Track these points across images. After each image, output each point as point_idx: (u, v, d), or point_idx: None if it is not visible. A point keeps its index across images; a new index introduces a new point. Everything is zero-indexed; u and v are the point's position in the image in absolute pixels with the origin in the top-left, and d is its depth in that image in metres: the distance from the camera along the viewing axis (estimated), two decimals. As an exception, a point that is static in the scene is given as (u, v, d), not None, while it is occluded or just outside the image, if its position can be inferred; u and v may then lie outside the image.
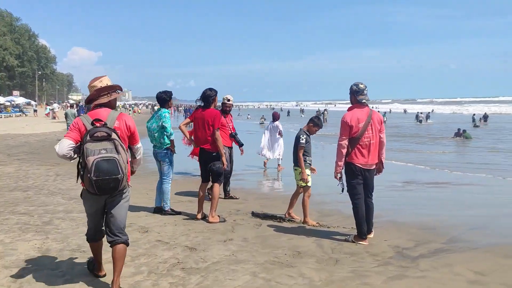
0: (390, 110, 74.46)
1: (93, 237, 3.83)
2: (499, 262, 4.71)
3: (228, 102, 7.90)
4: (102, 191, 3.38)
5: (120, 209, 3.64)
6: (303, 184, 6.15)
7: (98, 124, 3.46)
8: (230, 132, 7.77)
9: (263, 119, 43.08)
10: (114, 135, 3.43)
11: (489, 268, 4.52)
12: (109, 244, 3.65)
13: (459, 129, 24.10)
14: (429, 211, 7.33)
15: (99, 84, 3.69)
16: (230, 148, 7.85)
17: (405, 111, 74.68)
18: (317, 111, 49.32)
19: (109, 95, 3.68)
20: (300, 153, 6.08)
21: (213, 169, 6.12)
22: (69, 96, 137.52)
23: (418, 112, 47.55)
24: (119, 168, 3.33)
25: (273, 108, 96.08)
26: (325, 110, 49.39)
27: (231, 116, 8.10)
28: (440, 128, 32.55)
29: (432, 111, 60.07)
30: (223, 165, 6.13)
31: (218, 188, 6.26)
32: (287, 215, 6.46)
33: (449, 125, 35.09)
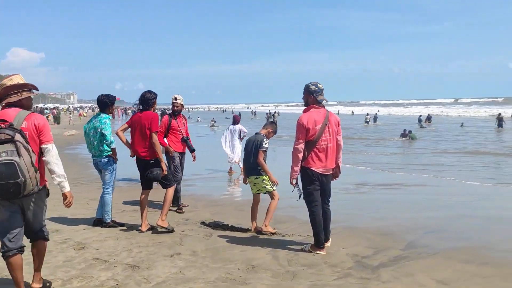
0: (339, 112, 76.04)
1: (7, 250, 3.38)
2: (461, 269, 4.55)
3: (175, 101, 7.19)
4: (1, 196, 3.21)
5: (34, 215, 3.49)
6: (273, 188, 5.76)
7: (2, 125, 3.21)
8: (182, 136, 7.18)
9: (213, 122, 42.55)
10: (18, 137, 3.18)
11: (452, 276, 4.33)
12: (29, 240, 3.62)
13: (405, 130, 24.75)
14: (384, 214, 7.18)
15: (8, 82, 3.43)
16: (182, 153, 7.27)
17: (352, 112, 76.56)
18: (267, 113, 49.34)
19: (19, 94, 3.43)
20: (262, 157, 5.68)
21: (151, 176, 5.63)
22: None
23: (366, 114, 48.76)
24: (19, 172, 3.13)
25: (224, 111, 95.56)
26: (275, 112, 49.48)
27: (185, 119, 7.42)
28: (387, 129, 33.43)
29: (378, 111, 61.80)
30: (163, 171, 5.64)
31: (171, 192, 5.82)
32: (263, 229, 5.79)
33: (395, 126, 36.11)
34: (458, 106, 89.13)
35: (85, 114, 64.53)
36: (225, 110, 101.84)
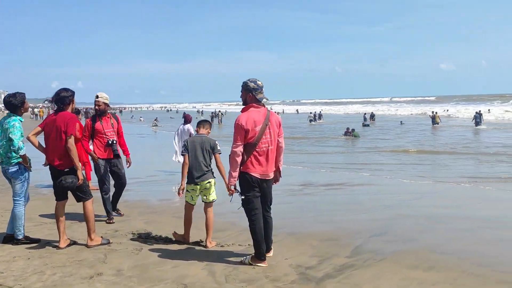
0: (283, 111, 76.84)
1: None
2: (408, 276, 4.30)
3: (96, 100, 6.40)
4: None
5: None
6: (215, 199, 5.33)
7: None
8: (107, 140, 6.40)
9: (156, 122, 41.34)
10: None
11: (399, 285, 4.07)
12: None
13: (348, 128, 25.11)
14: (329, 217, 6.91)
15: None
16: (109, 160, 6.46)
17: (297, 111, 77.61)
18: (212, 113, 48.67)
19: None
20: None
21: (64, 185, 4.92)
22: None
23: (309, 113, 49.40)
24: None
25: (168, 110, 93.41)
26: (219, 111, 48.88)
27: (113, 119, 6.60)
28: (331, 128, 33.90)
29: (321, 110, 62.88)
30: (78, 180, 4.98)
31: (90, 206, 5.12)
32: (207, 245, 5.22)
33: (339, 124, 36.73)
34: (398, 105, 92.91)
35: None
36: (170, 110, 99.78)
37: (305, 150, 18.47)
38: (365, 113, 45.37)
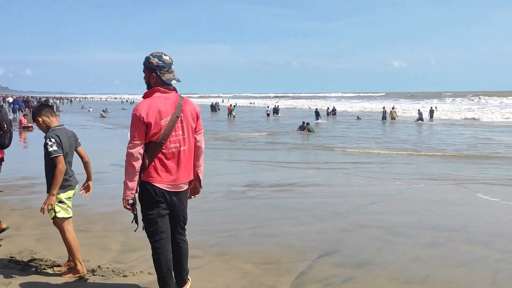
0: (236, 104, 75.74)
1: None
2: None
3: None
4: None
5: None
6: (59, 215, 3.90)
7: None
8: None
9: (103, 113, 39.06)
10: None
11: None
12: None
13: (303, 122, 24.22)
14: (271, 228, 5.79)
15: None
16: None
17: (253, 103, 76.60)
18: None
19: None
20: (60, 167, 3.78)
21: None
22: None
23: (267, 106, 48.52)
24: None
25: (123, 101, 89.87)
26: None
27: None
28: (288, 122, 33.01)
29: (278, 102, 62.11)
30: None
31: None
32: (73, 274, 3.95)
33: (296, 119, 35.89)
34: (350, 100, 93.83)
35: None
36: (126, 101, 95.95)
37: (257, 146, 17.37)
38: (328, 107, 45.07)
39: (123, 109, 55.34)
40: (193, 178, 3.47)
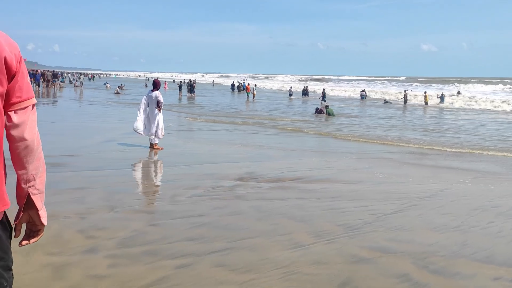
0: (256, 85, 73.58)
1: None
2: None
3: None
4: None
5: None
6: None
7: None
8: None
9: (119, 89, 37.84)
10: None
11: None
12: None
13: (321, 103, 22.15)
14: (249, 255, 3.98)
15: None
16: None
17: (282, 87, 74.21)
18: (180, 82, 45.16)
19: None
20: None
21: None
22: None
23: (290, 87, 46.55)
24: None
25: (148, 79, 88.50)
26: (190, 80, 45.29)
27: None
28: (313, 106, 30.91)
29: (307, 86, 59.45)
30: None
31: None
32: None
33: (308, 101, 33.70)
34: (381, 83, 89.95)
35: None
36: (150, 78, 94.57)
37: (272, 131, 15.51)
38: (363, 90, 42.24)
39: (146, 85, 55.36)
40: (19, 203, 1.66)
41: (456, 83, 70.92)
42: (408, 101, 33.97)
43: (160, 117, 9.54)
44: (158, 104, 9.47)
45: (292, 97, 39.19)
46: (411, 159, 9.92)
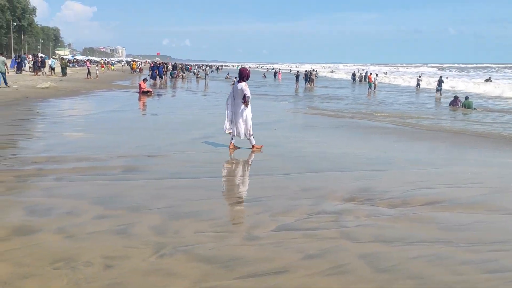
0: (386, 72, 68.85)
1: None
2: None
3: None
4: None
5: None
6: None
7: None
8: None
9: (228, 76, 38.23)
10: None
11: None
12: None
13: (456, 97, 18.72)
14: None
15: None
16: None
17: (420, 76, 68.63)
18: (304, 71, 43.71)
19: None
20: None
21: None
22: (56, 51, 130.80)
23: (419, 76, 42.54)
24: None
25: (272, 69, 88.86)
26: (313, 70, 43.52)
27: None
28: (446, 97, 27.00)
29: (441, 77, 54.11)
30: None
31: None
32: None
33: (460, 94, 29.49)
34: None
35: (113, 68, 60.75)
36: (272, 69, 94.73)
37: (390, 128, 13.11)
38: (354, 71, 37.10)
39: (264, 76, 55.79)
40: None
41: None
42: None
43: (248, 113, 8.02)
44: (244, 98, 7.91)
45: (419, 87, 35.36)
46: None
